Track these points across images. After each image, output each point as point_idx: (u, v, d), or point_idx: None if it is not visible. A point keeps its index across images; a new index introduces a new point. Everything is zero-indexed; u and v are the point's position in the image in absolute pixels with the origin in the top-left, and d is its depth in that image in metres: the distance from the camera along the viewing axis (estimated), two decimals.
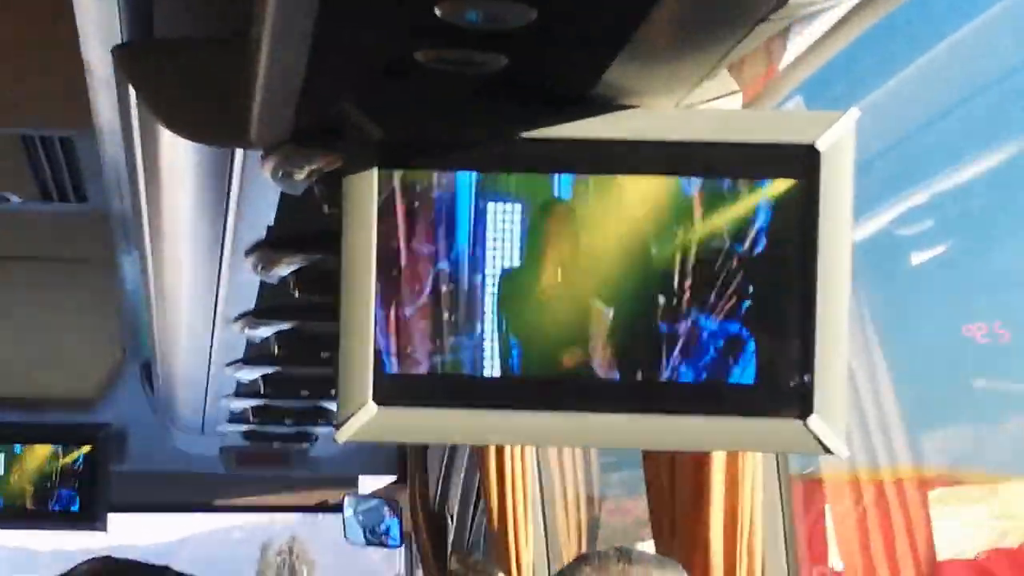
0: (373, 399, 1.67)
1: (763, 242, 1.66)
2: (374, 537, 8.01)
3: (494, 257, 1.68)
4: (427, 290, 1.68)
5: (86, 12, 2.07)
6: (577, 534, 5.97)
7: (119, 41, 2.00)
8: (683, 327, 1.67)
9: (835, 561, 4.36)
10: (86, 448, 7.36)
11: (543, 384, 1.69)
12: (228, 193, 2.66)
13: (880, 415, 4.50)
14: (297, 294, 2.83)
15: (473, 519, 7.09)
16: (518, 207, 1.68)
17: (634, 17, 1.45)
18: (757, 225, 1.65)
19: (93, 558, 2.77)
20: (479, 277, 1.68)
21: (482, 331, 1.68)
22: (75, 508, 7.39)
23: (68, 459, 7.36)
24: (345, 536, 8.22)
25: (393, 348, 1.68)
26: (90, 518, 7.38)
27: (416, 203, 1.67)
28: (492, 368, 1.68)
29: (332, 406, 4.98)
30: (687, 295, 1.67)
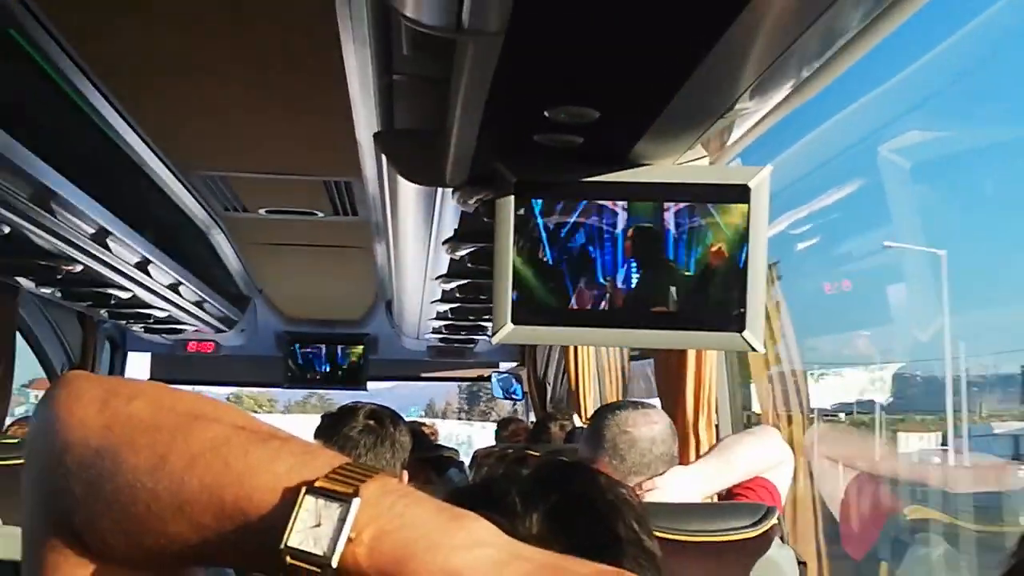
0: (511, 321, 1.70)
1: (721, 238, 1.66)
2: (508, 393, 8.14)
3: (584, 248, 1.69)
4: (542, 264, 1.69)
5: (359, 112, 2.10)
6: (616, 391, 5.96)
7: (376, 129, 2.03)
8: (674, 286, 1.68)
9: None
10: (358, 347, 7.51)
11: (601, 314, 1.70)
12: (434, 210, 2.70)
13: (783, 332, 4.47)
14: (469, 265, 2.85)
15: (560, 384, 7.12)
16: (603, 221, 1.69)
17: (651, 117, 1.46)
18: (718, 229, 1.66)
19: (359, 403, 2.77)
20: (572, 259, 1.69)
21: (570, 285, 1.69)
22: (350, 377, 7.55)
23: (349, 352, 7.52)
24: (492, 393, 8.37)
25: (522, 294, 1.70)
26: (358, 381, 7.53)
27: (535, 215, 1.69)
28: (574, 305, 1.69)
29: (487, 325, 5.02)
30: (682, 270, 1.67)
